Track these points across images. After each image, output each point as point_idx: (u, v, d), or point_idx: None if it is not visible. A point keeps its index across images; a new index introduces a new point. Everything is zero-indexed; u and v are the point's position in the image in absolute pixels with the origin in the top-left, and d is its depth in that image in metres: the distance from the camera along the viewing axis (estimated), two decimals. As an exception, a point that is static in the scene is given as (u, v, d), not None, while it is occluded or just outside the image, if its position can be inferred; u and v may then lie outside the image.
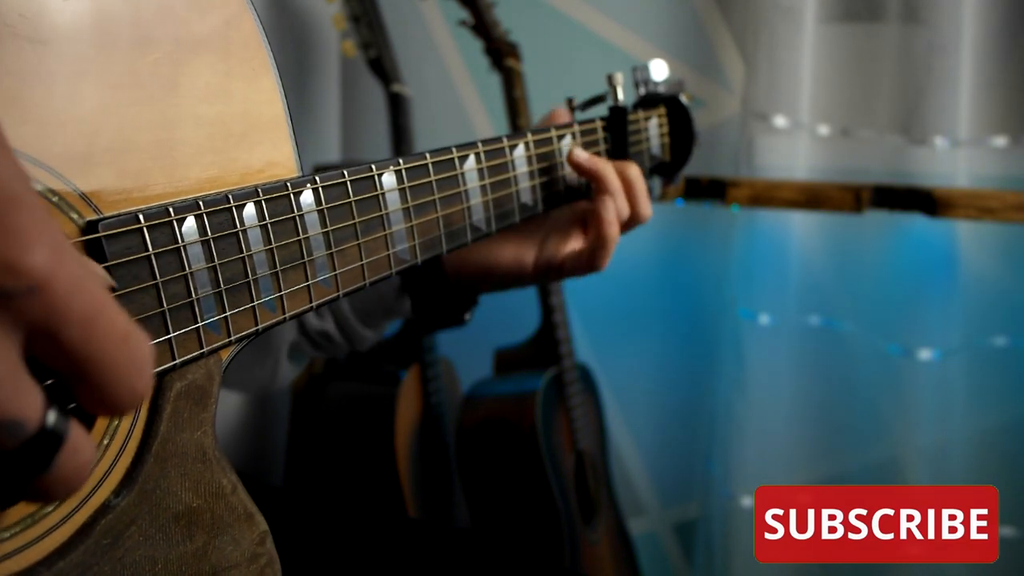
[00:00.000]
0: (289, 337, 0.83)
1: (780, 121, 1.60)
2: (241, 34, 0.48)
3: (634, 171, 0.77)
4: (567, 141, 0.77)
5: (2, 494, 0.30)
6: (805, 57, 1.59)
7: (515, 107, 1.55)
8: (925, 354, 1.63)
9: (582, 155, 0.75)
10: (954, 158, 1.55)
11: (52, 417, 0.29)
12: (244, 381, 0.84)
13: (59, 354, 0.29)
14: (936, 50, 1.52)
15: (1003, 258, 1.63)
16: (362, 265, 0.55)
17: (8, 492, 0.30)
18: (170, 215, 0.43)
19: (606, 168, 0.75)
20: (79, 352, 0.29)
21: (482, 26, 1.57)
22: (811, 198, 1.53)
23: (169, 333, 0.42)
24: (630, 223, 0.80)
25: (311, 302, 0.52)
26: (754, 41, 1.61)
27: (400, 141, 1.62)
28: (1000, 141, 1.59)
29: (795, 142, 1.62)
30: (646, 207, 0.78)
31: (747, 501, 1.72)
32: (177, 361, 0.43)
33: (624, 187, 0.76)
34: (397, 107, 1.63)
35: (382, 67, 1.63)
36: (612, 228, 0.74)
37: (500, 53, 1.57)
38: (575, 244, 0.76)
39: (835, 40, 1.64)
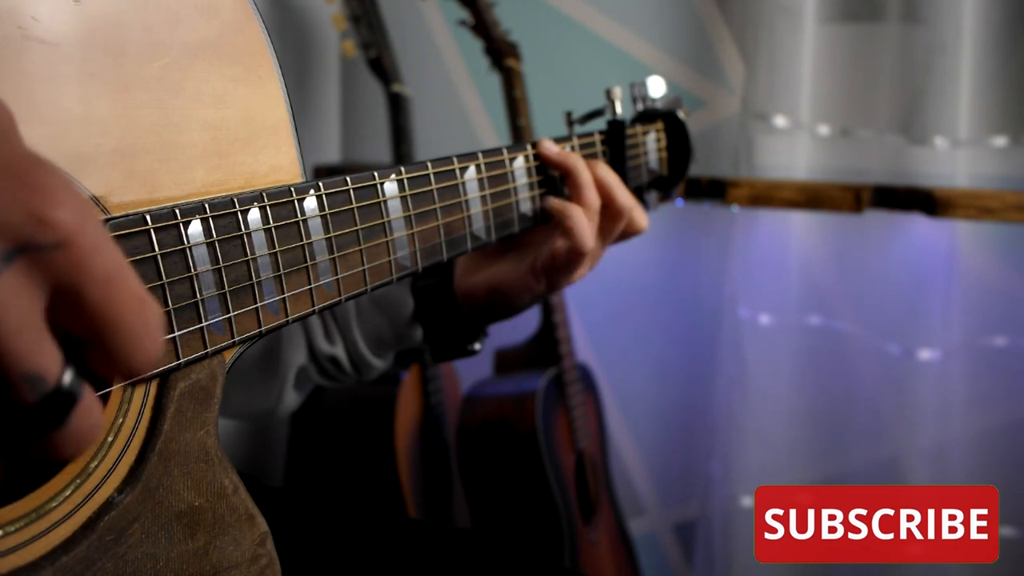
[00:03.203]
0: (297, 361, 0.82)
1: (780, 121, 1.61)
2: (247, 41, 0.49)
3: (603, 168, 0.77)
4: None
5: (16, 450, 0.31)
6: (805, 57, 1.59)
7: (515, 107, 1.56)
8: (925, 354, 1.63)
9: (552, 148, 0.75)
10: (954, 158, 1.55)
11: (68, 376, 0.30)
12: (248, 408, 0.83)
13: (79, 313, 0.30)
14: (936, 50, 1.52)
15: (1003, 258, 1.63)
16: (364, 270, 0.56)
17: (22, 447, 0.31)
18: (176, 217, 0.43)
19: (577, 162, 0.75)
20: (99, 312, 0.30)
21: (482, 26, 1.57)
22: (811, 198, 1.53)
23: (174, 333, 0.43)
24: (626, 233, 0.80)
25: (313, 305, 0.52)
26: (754, 41, 1.61)
27: (400, 141, 1.63)
28: (1000, 141, 1.59)
29: (795, 142, 1.62)
30: (624, 197, 0.78)
31: (747, 501, 1.72)
32: (181, 361, 0.43)
33: (596, 183, 0.76)
34: (397, 107, 1.63)
35: (382, 67, 1.63)
36: (577, 221, 0.73)
37: (500, 53, 1.57)
38: (559, 239, 0.76)
39: (835, 40, 1.64)
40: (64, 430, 0.30)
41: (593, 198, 0.75)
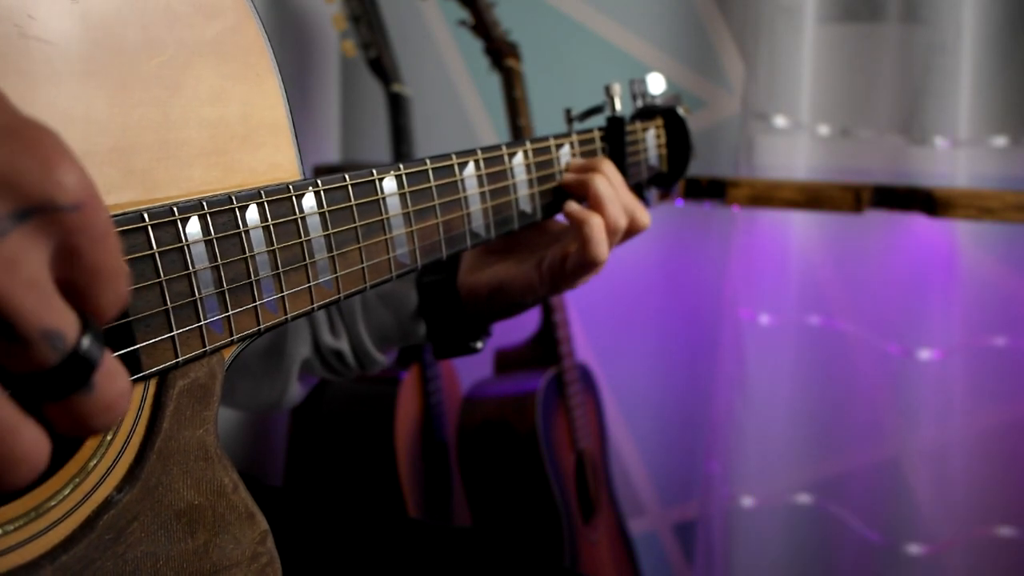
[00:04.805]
0: (302, 354, 0.83)
1: (780, 121, 1.61)
2: (245, 39, 0.49)
3: (608, 166, 0.78)
4: (565, 150, 0.78)
5: (47, 418, 0.30)
6: (805, 57, 1.59)
7: (515, 107, 1.56)
8: (925, 354, 1.63)
9: (574, 207, 0.75)
10: (954, 158, 1.55)
11: (87, 338, 0.30)
12: (252, 400, 0.84)
13: (75, 269, 0.30)
14: (936, 50, 1.53)
15: (1003, 258, 1.63)
16: (363, 268, 0.56)
17: (52, 416, 0.30)
18: (174, 215, 0.43)
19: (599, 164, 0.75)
20: (92, 267, 0.30)
21: (482, 26, 1.57)
22: (811, 198, 1.53)
23: (172, 331, 0.43)
24: (629, 231, 0.80)
25: (312, 303, 0.52)
26: (754, 41, 1.61)
27: (400, 141, 1.63)
28: (1000, 141, 1.59)
29: (795, 142, 1.62)
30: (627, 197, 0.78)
31: (747, 501, 1.72)
32: (180, 359, 0.43)
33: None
34: (397, 107, 1.63)
35: (382, 67, 1.63)
36: (597, 231, 0.74)
37: (500, 53, 1.57)
38: (571, 245, 0.77)
39: (835, 40, 1.64)
40: (92, 395, 0.30)
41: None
